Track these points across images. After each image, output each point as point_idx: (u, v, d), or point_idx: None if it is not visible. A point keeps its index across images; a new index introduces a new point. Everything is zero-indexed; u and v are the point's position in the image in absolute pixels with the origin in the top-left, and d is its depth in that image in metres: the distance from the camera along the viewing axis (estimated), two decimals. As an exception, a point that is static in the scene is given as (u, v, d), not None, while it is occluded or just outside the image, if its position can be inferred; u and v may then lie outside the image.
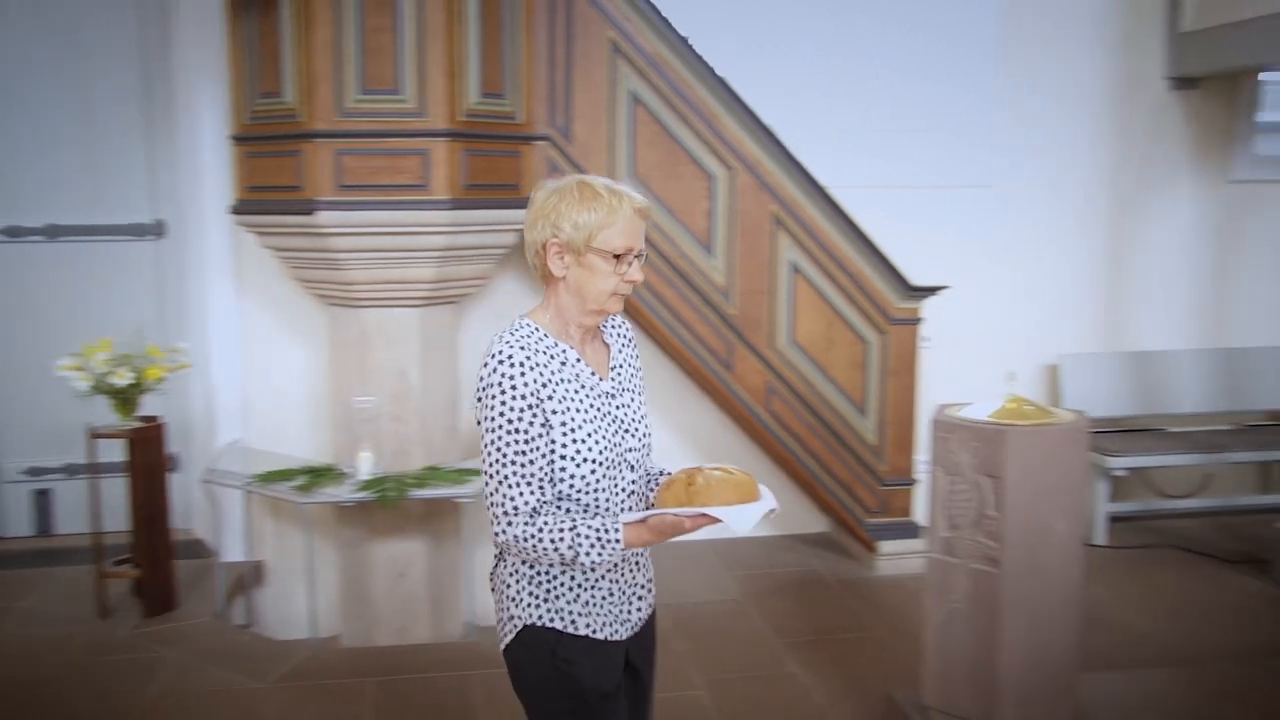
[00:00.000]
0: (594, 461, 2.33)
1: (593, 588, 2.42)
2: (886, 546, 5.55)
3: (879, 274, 5.44)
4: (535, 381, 2.29)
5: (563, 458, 2.32)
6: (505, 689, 2.58)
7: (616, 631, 2.47)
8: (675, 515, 2.26)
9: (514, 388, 2.28)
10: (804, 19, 5.90)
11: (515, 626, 2.42)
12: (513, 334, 2.35)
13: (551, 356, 2.35)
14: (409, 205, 4.51)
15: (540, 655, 2.40)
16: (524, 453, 2.29)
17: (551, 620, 2.40)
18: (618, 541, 2.28)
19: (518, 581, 2.42)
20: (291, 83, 4.49)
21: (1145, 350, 6.40)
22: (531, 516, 2.30)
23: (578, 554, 2.28)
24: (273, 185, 4.64)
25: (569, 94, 5.06)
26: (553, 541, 2.28)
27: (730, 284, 5.35)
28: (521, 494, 2.30)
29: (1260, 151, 6.40)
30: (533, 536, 2.29)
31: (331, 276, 4.69)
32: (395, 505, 4.55)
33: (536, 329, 2.38)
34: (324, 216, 4.47)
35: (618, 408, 2.44)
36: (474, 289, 5.05)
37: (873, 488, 5.59)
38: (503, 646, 2.47)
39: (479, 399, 2.32)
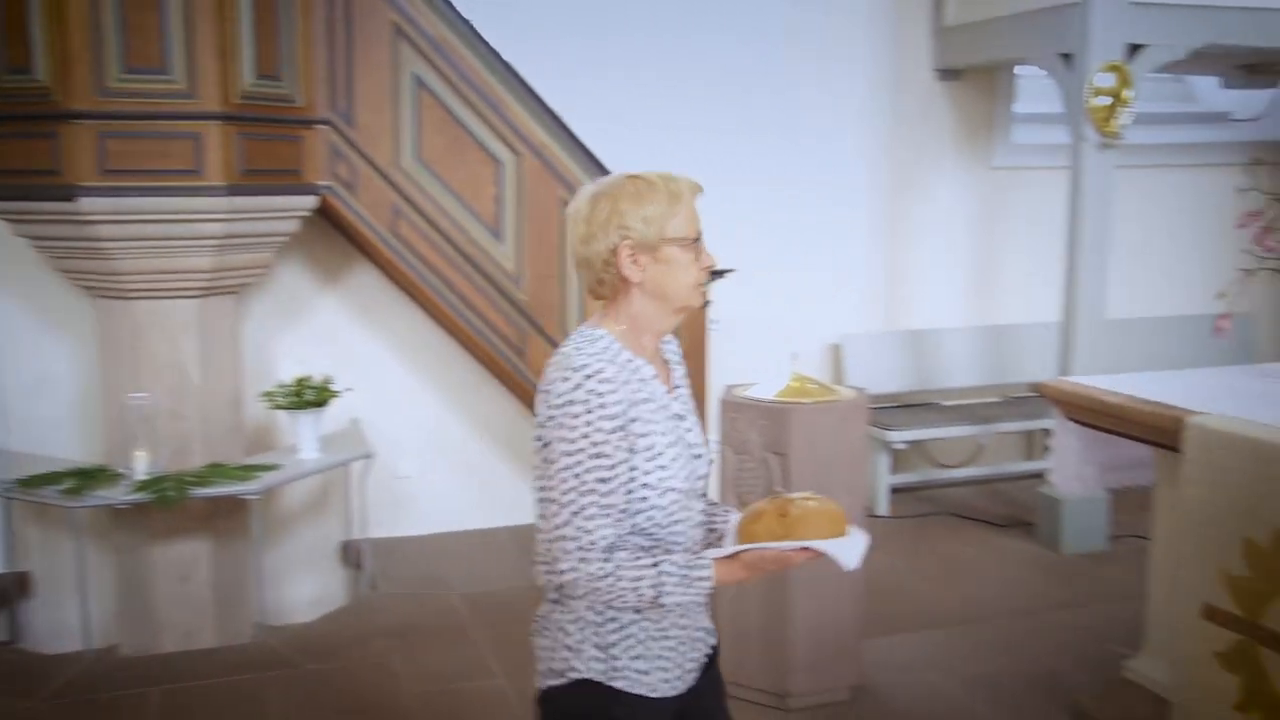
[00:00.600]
0: (676, 490, 2.10)
1: (663, 638, 2.15)
2: (681, 526, 5.63)
3: (668, 258, 5.51)
4: (623, 401, 2.02)
5: (644, 485, 2.06)
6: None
7: (673, 686, 2.19)
8: (776, 550, 2.04)
9: (602, 406, 2.01)
10: (589, 6, 5.92)
11: (570, 677, 2.13)
12: (591, 344, 2.08)
13: (630, 373, 2.09)
14: (181, 191, 4.30)
15: (591, 711, 2.15)
16: (605, 480, 2.01)
17: (612, 678, 2.12)
18: (706, 579, 2.04)
19: (580, 630, 2.13)
20: (43, 58, 4.21)
21: (921, 329, 6.72)
22: (607, 553, 2.02)
23: (660, 594, 2.02)
24: (26, 169, 4.34)
25: (350, 77, 4.93)
26: (633, 581, 2.01)
27: (521, 270, 5.32)
28: (600, 526, 2.01)
29: (1017, 139, 6.80)
30: (610, 575, 2.01)
31: (98, 267, 4.43)
32: (175, 505, 4.35)
33: (612, 341, 2.11)
34: (86, 203, 4.22)
35: (686, 430, 2.19)
36: (255, 278, 4.87)
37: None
38: (545, 688, 2.19)
39: (551, 417, 2.03)
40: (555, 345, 5.29)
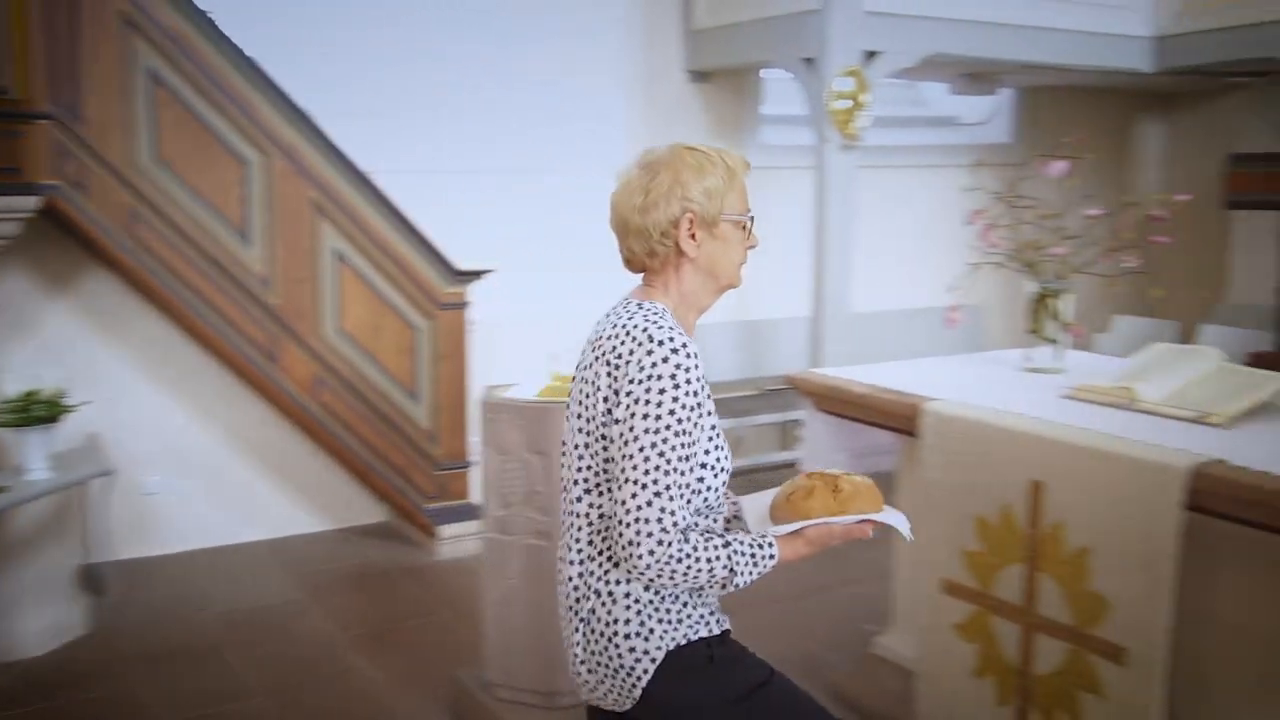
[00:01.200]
0: (727, 471, 2.06)
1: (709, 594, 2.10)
2: (446, 530, 5.57)
3: (425, 260, 5.43)
4: (703, 377, 1.96)
5: (703, 466, 2.00)
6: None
7: (720, 622, 2.14)
8: (843, 524, 2.05)
9: (688, 381, 1.92)
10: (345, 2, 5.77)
11: (655, 659, 2.01)
12: (661, 318, 2.00)
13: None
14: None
15: (696, 671, 2.04)
16: (686, 459, 1.93)
17: (695, 631, 2.05)
18: (773, 557, 2.03)
19: (640, 614, 2.02)
20: None
21: (679, 325, 6.85)
22: (684, 534, 1.93)
23: (733, 574, 1.98)
24: None
25: (75, 69, 4.62)
26: (709, 562, 1.95)
27: (271, 273, 5.13)
28: (680, 508, 1.93)
29: (766, 140, 7.04)
30: (688, 557, 1.93)
31: None
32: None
33: (669, 314, 2.05)
34: None
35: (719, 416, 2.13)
36: (-28, 287, 4.50)
37: (429, 473, 5.59)
38: (639, 694, 2.03)
39: (629, 391, 1.93)
40: (309, 350, 5.20)
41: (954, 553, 3.24)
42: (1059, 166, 3.59)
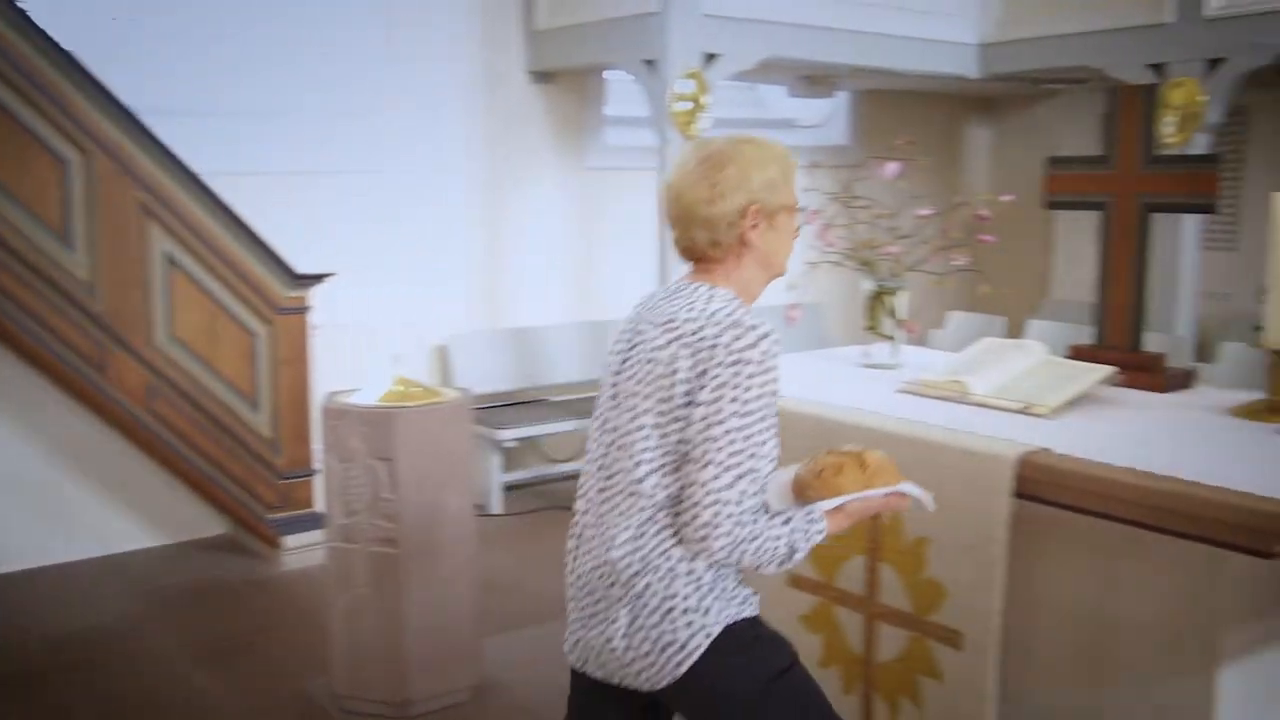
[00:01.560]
0: (775, 461, 2.08)
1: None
2: (290, 540, 5.43)
3: (263, 263, 5.28)
4: (781, 365, 2.03)
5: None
6: None
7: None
8: (879, 497, 2.15)
9: (775, 368, 2.00)
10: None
11: (710, 634, 2.05)
12: (739, 305, 2.08)
13: None
14: None
15: (744, 648, 2.09)
16: (764, 444, 1.99)
17: (741, 611, 2.11)
18: (821, 532, 2.07)
19: (698, 590, 2.06)
20: None
21: (526, 327, 6.83)
22: (755, 515, 1.99)
23: (793, 551, 2.03)
24: None
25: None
26: (773, 540, 2.00)
27: (96, 279, 4.91)
28: (757, 492, 1.99)
29: (610, 141, 7.07)
30: (758, 537, 1.98)
31: None
32: None
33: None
34: None
35: None
36: None
37: (271, 482, 5.44)
38: (683, 671, 2.06)
39: (716, 375, 1.97)
40: (140, 358, 5.00)
41: (798, 546, 3.31)
42: (892, 168, 3.69)
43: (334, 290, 5.66)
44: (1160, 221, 5.77)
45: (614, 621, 2.12)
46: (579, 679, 2.33)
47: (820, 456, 2.25)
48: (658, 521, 2.07)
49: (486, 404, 6.54)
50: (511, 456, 6.52)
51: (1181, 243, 5.92)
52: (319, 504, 5.48)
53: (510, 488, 6.55)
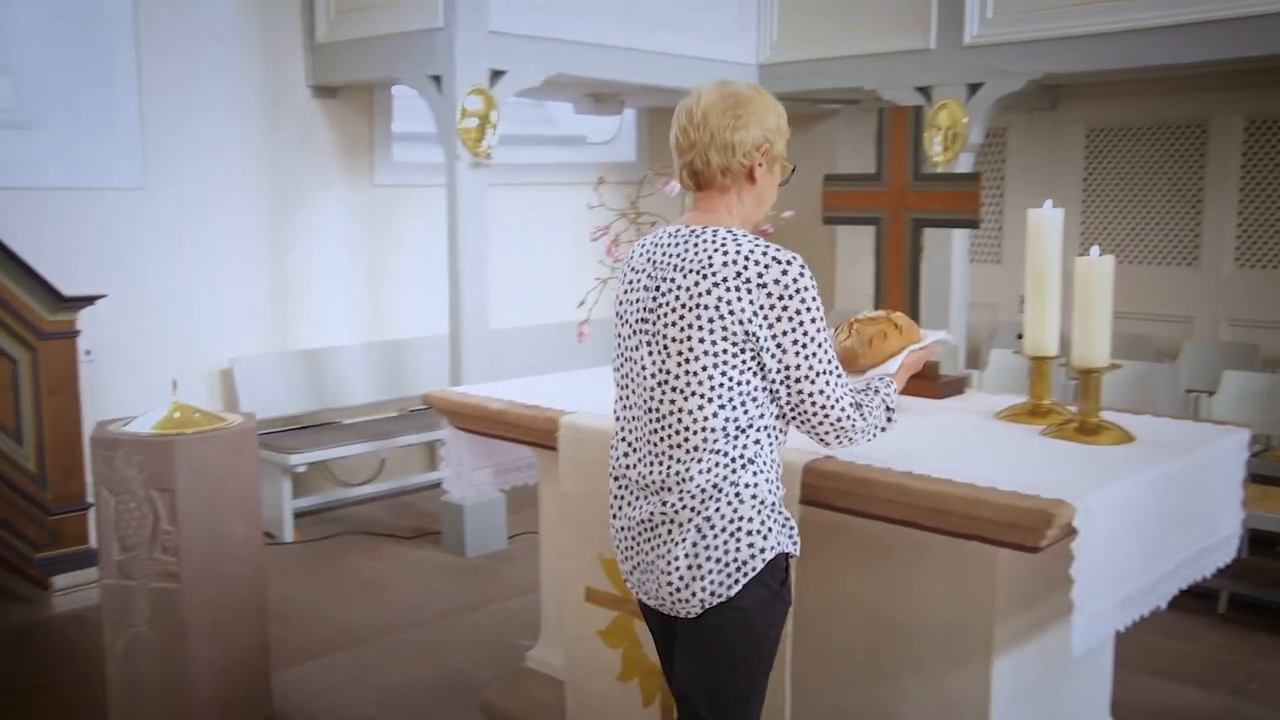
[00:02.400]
0: None
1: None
2: (61, 580, 5.10)
3: (22, 285, 4.95)
4: None
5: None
6: None
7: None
8: (920, 349, 2.63)
9: (817, 288, 2.24)
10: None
11: (765, 558, 2.25)
12: (756, 239, 2.25)
13: None
14: None
15: (775, 586, 2.30)
16: (834, 347, 2.32)
17: (792, 543, 2.34)
18: (896, 391, 2.49)
19: (760, 513, 2.26)
20: None
21: (316, 348, 6.64)
22: (857, 398, 2.34)
23: (890, 410, 2.43)
24: None
25: None
26: (878, 408, 2.38)
27: None
28: (849, 385, 2.34)
29: (398, 158, 6.96)
30: (873, 413, 2.36)
31: None
32: None
33: None
34: None
35: None
36: None
37: (39, 519, 5.09)
38: (736, 591, 2.25)
39: (786, 306, 2.19)
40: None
41: (594, 561, 3.32)
42: (673, 184, 3.76)
43: (105, 313, 5.36)
44: (931, 235, 6.12)
45: (679, 544, 2.26)
46: (644, 607, 2.50)
47: (858, 326, 2.70)
48: (726, 451, 2.24)
49: (275, 428, 6.32)
50: (303, 481, 6.32)
51: (952, 256, 6.25)
52: (94, 540, 5.17)
53: (301, 514, 6.35)
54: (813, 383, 2.23)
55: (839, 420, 2.28)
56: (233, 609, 3.69)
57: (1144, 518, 2.65)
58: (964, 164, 6.14)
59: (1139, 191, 7.22)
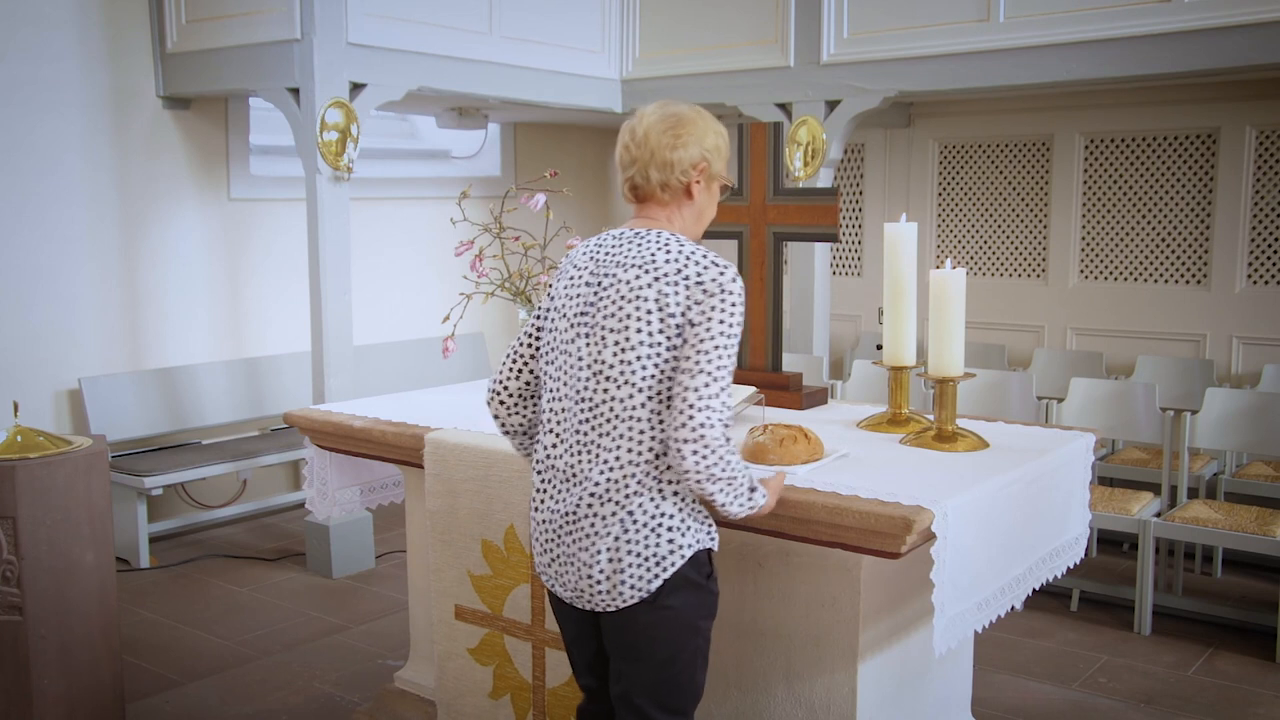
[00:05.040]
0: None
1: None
2: (-105, 618, 4.81)
3: None
4: None
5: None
6: None
7: None
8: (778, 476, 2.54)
9: (743, 304, 2.30)
10: None
11: (684, 555, 2.32)
12: (699, 246, 2.36)
13: None
14: None
15: (696, 579, 2.36)
16: (731, 367, 2.29)
17: (711, 539, 2.40)
18: (764, 496, 2.37)
19: (680, 509, 2.34)
20: None
21: (171, 366, 6.42)
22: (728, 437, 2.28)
23: (754, 489, 2.33)
24: None
25: None
26: (739, 473, 2.29)
27: None
28: (726, 404, 2.27)
29: (256, 171, 6.78)
30: (732, 465, 2.27)
31: None
32: None
33: None
34: None
35: None
36: None
37: None
38: (656, 587, 2.32)
39: (707, 304, 2.26)
40: None
41: (462, 578, 3.29)
42: (537, 199, 3.76)
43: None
44: (793, 249, 6.25)
45: (602, 538, 2.32)
46: (555, 600, 2.55)
47: (772, 429, 2.82)
48: (650, 446, 2.31)
49: (128, 450, 6.10)
50: (159, 505, 6.11)
51: (814, 269, 6.38)
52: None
53: (159, 538, 6.13)
54: (694, 377, 2.24)
55: (701, 427, 2.22)
56: (83, 640, 3.54)
57: (999, 521, 2.74)
58: (824, 179, 6.28)
59: (989, 206, 7.49)
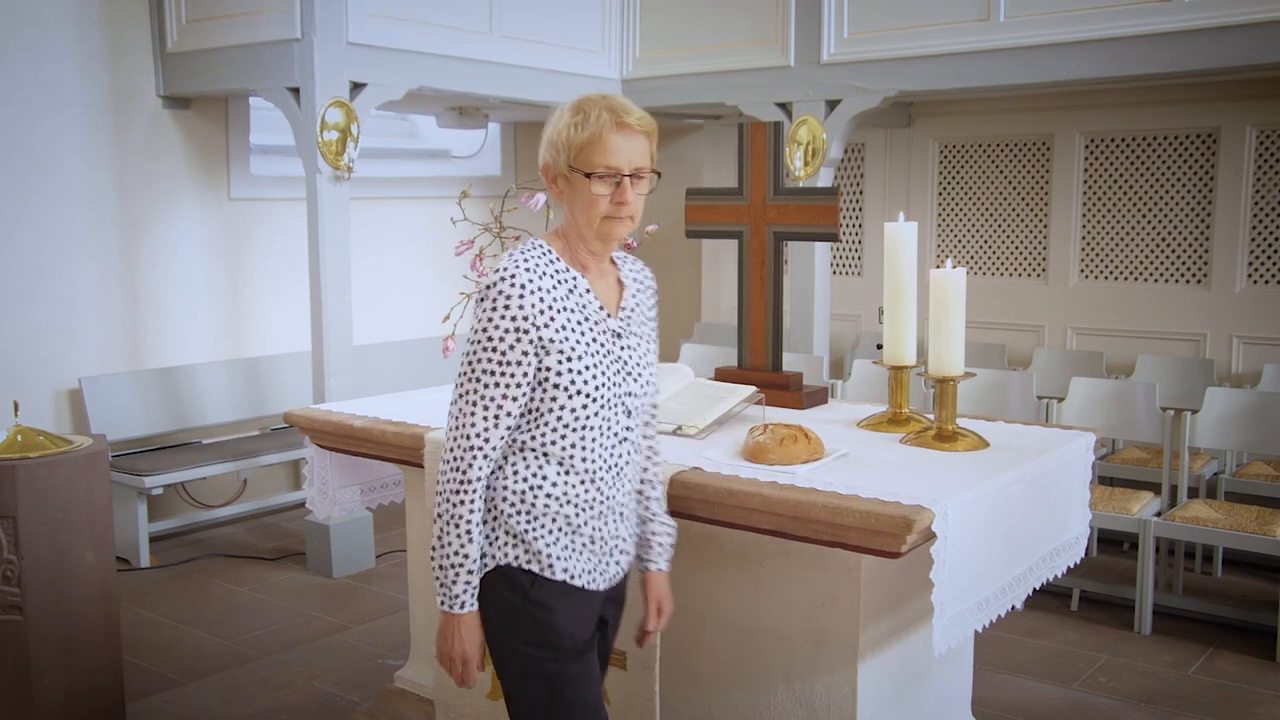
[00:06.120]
0: (588, 396, 2.20)
1: (574, 533, 2.25)
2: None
3: None
4: (534, 306, 2.14)
5: (555, 386, 2.17)
6: None
7: (594, 580, 2.29)
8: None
9: (507, 307, 2.12)
10: None
11: (484, 566, 2.23)
12: (524, 252, 2.20)
13: (559, 281, 2.21)
14: None
15: (509, 596, 2.23)
16: (494, 373, 2.14)
17: (529, 563, 2.22)
18: (450, 604, 2.20)
19: (493, 520, 2.23)
20: None
21: (172, 366, 6.42)
22: (473, 459, 2.16)
23: (444, 548, 2.19)
24: None
25: None
26: (453, 518, 2.17)
27: None
28: (479, 418, 2.15)
29: (256, 171, 6.78)
30: (454, 474, 2.16)
31: None
32: None
33: (549, 251, 2.24)
34: None
35: (623, 348, 2.30)
36: None
37: None
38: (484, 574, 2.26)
39: (478, 307, 2.17)
40: None
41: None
42: (537, 198, 3.76)
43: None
44: (793, 248, 6.25)
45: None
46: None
47: (772, 428, 2.82)
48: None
49: (129, 449, 6.10)
50: (159, 504, 6.11)
51: (814, 268, 6.38)
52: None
53: (159, 538, 6.13)
54: (456, 387, 2.22)
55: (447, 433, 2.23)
56: (83, 640, 3.54)
57: (999, 521, 2.74)
58: (824, 179, 6.28)
59: (990, 205, 7.49)
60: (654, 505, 2.51)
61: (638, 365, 2.34)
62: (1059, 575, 3.10)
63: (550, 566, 2.22)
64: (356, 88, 5.61)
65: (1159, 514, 4.94)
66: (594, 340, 2.23)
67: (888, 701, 2.99)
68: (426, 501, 3.31)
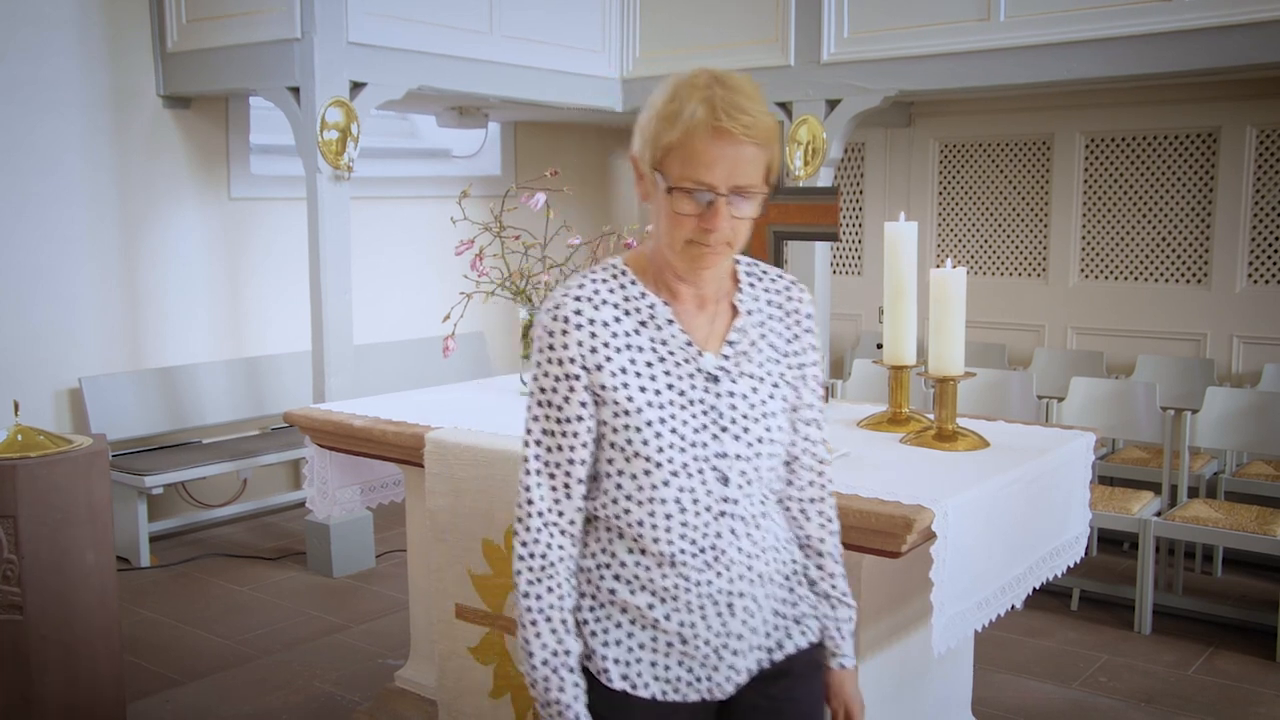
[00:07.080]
0: (648, 460, 1.69)
1: (650, 630, 1.75)
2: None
3: None
4: (581, 345, 1.69)
5: (611, 445, 1.71)
6: None
7: (680, 690, 1.76)
8: None
9: (551, 348, 1.70)
10: None
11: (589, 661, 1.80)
12: (585, 275, 1.75)
13: (627, 311, 1.73)
14: None
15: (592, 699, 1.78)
16: (553, 433, 1.72)
17: (588, 659, 1.77)
18: (562, 713, 1.73)
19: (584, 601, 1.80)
20: None
21: (172, 365, 6.42)
22: (550, 538, 1.73)
23: (542, 650, 1.73)
24: None
25: None
26: (540, 610, 1.74)
27: None
28: (538, 485, 1.73)
29: (256, 170, 6.78)
30: (529, 557, 1.74)
31: None
32: None
33: (622, 273, 1.76)
34: None
35: (719, 395, 1.75)
36: None
37: None
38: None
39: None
40: None
41: (463, 578, 3.29)
42: (538, 198, 3.76)
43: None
44: (794, 248, 6.24)
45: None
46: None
47: None
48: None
49: (129, 449, 6.10)
50: (159, 504, 6.11)
51: (815, 268, 6.38)
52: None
53: (159, 537, 6.13)
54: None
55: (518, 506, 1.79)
56: (83, 639, 3.54)
57: (999, 520, 2.74)
58: (824, 178, 6.28)
59: (990, 205, 7.49)
60: (831, 584, 1.96)
61: (745, 418, 1.76)
62: (1059, 575, 3.10)
63: (605, 671, 1.76)
64: (356, 87, 5.61)
65: (1159, 514, 4.94)
66: (669, 387, 1.73)
67: (888, 701, 3.00)
68: (428, 501, 3.32)
